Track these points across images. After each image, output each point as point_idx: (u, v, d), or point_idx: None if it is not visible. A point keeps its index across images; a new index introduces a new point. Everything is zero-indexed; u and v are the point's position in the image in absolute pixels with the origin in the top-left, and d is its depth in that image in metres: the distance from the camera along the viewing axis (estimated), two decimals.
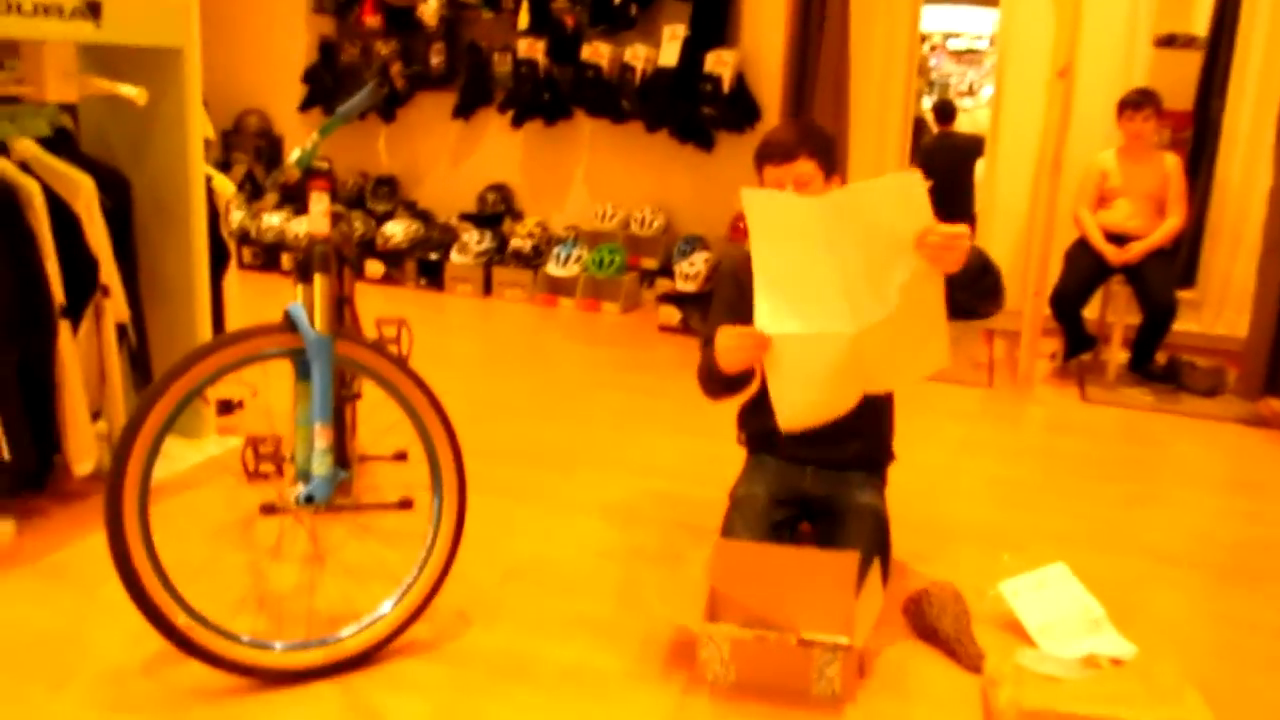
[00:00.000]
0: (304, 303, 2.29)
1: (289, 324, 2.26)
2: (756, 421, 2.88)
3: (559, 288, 6.09)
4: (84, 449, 3.03)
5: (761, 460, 2.87)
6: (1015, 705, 2.06)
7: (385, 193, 6.71)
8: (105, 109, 3.30)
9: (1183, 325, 5.10)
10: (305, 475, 2.30)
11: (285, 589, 2.67)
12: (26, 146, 2.94)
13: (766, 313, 2.39)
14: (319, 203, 2.36)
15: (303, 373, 2.34)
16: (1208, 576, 2.99)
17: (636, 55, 5.91)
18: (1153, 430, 4.31)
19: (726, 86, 5.76)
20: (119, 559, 2.11)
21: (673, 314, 5.52)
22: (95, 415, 3.11)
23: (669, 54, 5.84)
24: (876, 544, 2.64)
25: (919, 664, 2.45)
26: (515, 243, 6.19)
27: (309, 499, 2.23)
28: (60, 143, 3.08)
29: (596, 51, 6.02)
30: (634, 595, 2.72)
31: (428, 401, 2.41)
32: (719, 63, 5.75)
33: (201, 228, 3.37)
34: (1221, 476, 3.85)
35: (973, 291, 2.42)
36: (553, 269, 6.03)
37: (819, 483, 2.78)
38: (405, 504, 2.67)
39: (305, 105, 6.81)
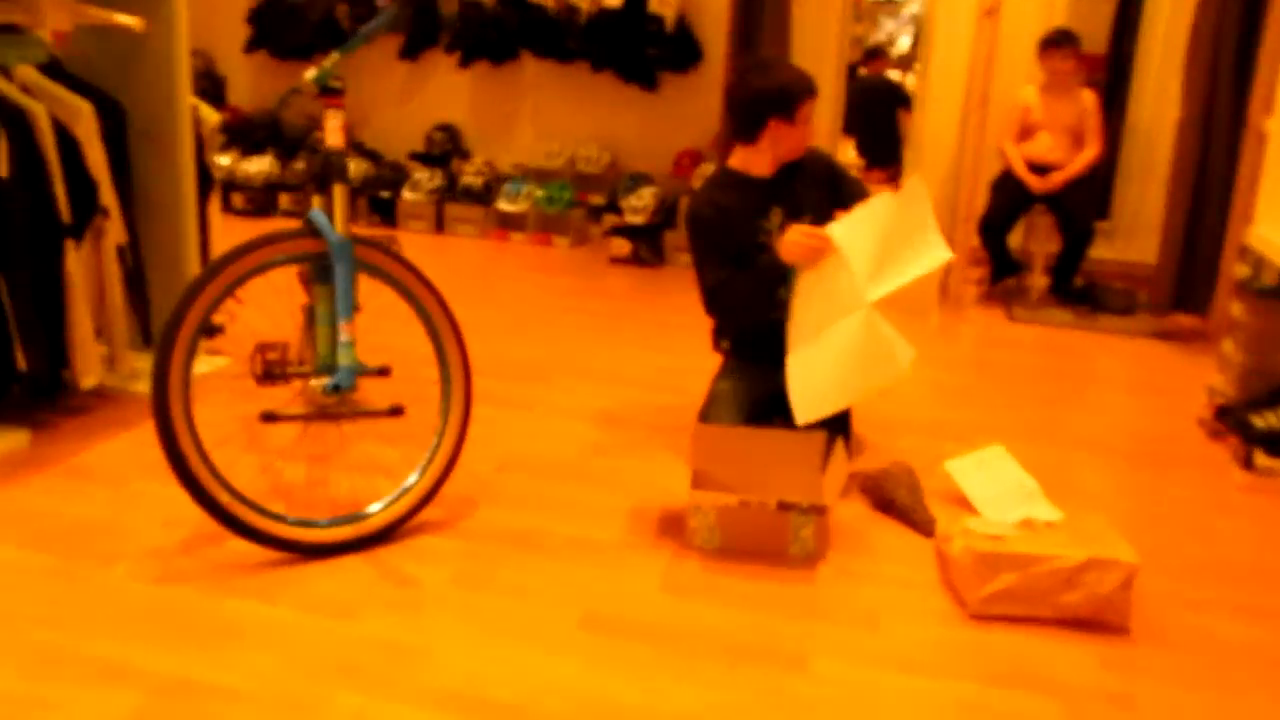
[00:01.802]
0: (323, 210, 2.50)
1: (312, 229, 2.46)
2: (736, 329, 3.16)
3: (510, 223, 6.28)
4: (90, 364, 3.19)
5: (739, 361, 3.14)
6: (969, 551, 2.37)
7: (308, 165, 6.79)
8: (90, 39, 3.39)
9: (1098, 252, 5.49)
10: (330, 369, 2.53)
11: (299, 482, 2.88)
12: (28, 73, 3.07)
13: (841, 231, 2.77)
14: (335, 118, 2.55)
15: (322, 276, 2.55)
16: (1124, 460, 3.35)
17: None
18: (1073, 344, 4.70)
19: (670, 27, 5.98)
20: (166, 441, 2.31)
21: (624, 245, 5.76)
22: (95, 334, 3.27)
23: None
24: (839, 428, 2.94)
25: (879, 530, 2.77)
26: (466, 180, 6.36)
27: (336, 388, 2.45)
28: (53, 70, 3.20)
29: None
30: (619, 481, 2.99)
31: (436, 302, 2.65)
32: (662, 4, 5.96)
33: (189, 154, 3.51)
34: (1135, 380, 4.24)
35: None
36: (504, 205, 6.22)
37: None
38: (396, 411, 2.88)
39: (250, 46, 6.85)
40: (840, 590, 2.46)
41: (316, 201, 2.58)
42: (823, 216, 2.89)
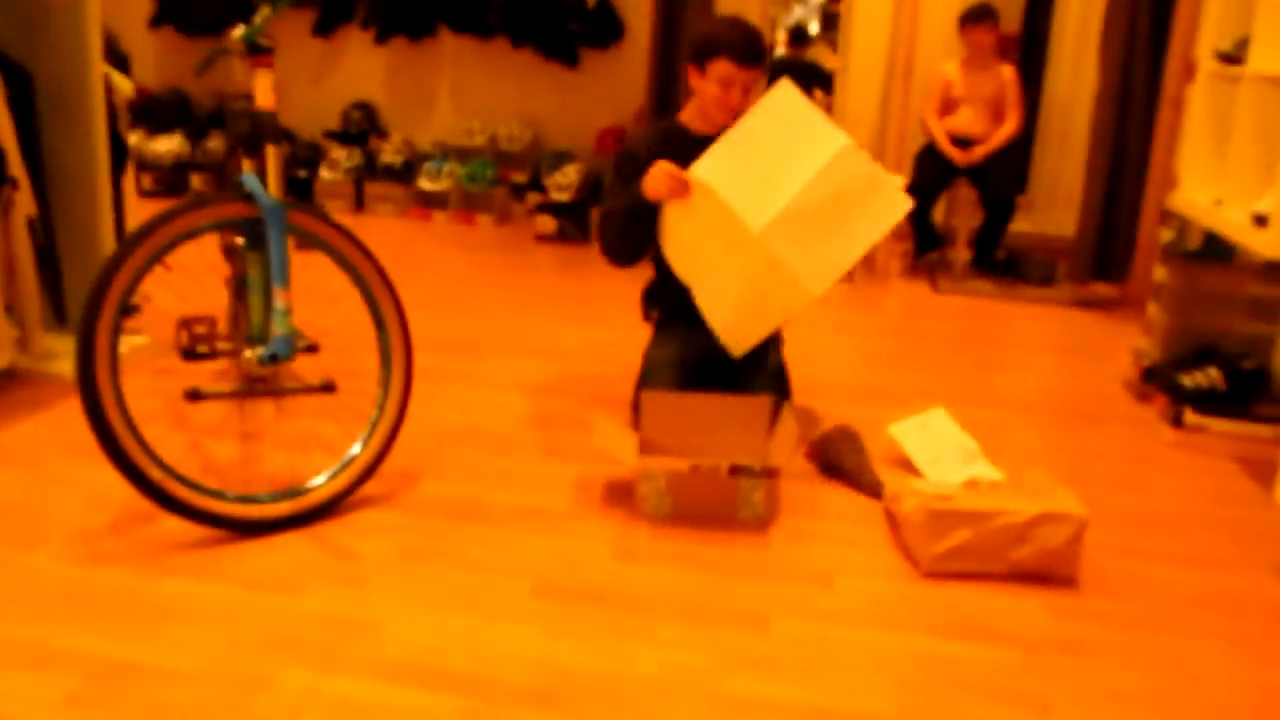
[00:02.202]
0: (255, 173, 2.40)
1: (244, 193, 2.36)
2: (664, 298, 3.12)
3: (431, 201, 6.17)
4: (1, 342, 3.04)
5: (671, 328, 3.11)
6: (922, 509, 2.38)
7: (227, 130, 6.60)
8: None
9: (1016, 226, 5.58)
10: (261, 339, 2.43)
11: (229, 460, 2.78)
12: None
13: (705, 166, 2.66)
14: (265, 78, 2.45)
15: (254, 242, 2.45)
16: (1056, 421, 3.41)
17: None
18: (997, 313, 4.77)
19: (591, 2, 5.92)
20: (93, 413, 2.19)
21: (549, 223, 5.70)
22: (5, 311, 3.12)
23: None
24: (781, 391, 2.93)
25: (827, 494, 2.77)
26: (385, 158, 6.23)
27: (273, 357, 2.36)
28: None
29: None
30: (561, 451, 2.95)
31: (374, 268, 2.56)
32: None
33: (101, 124, 3.36)
34: (1058, 345, 4.33)
35: None
36: (425, 183, 6.11)
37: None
38: (328, 387, 2.79)
39: (155, 22, 6.61)
40: (793, 552, 2.45)
41: (247, 165, 2.48)
42: None
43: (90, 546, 2.31)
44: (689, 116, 3.00)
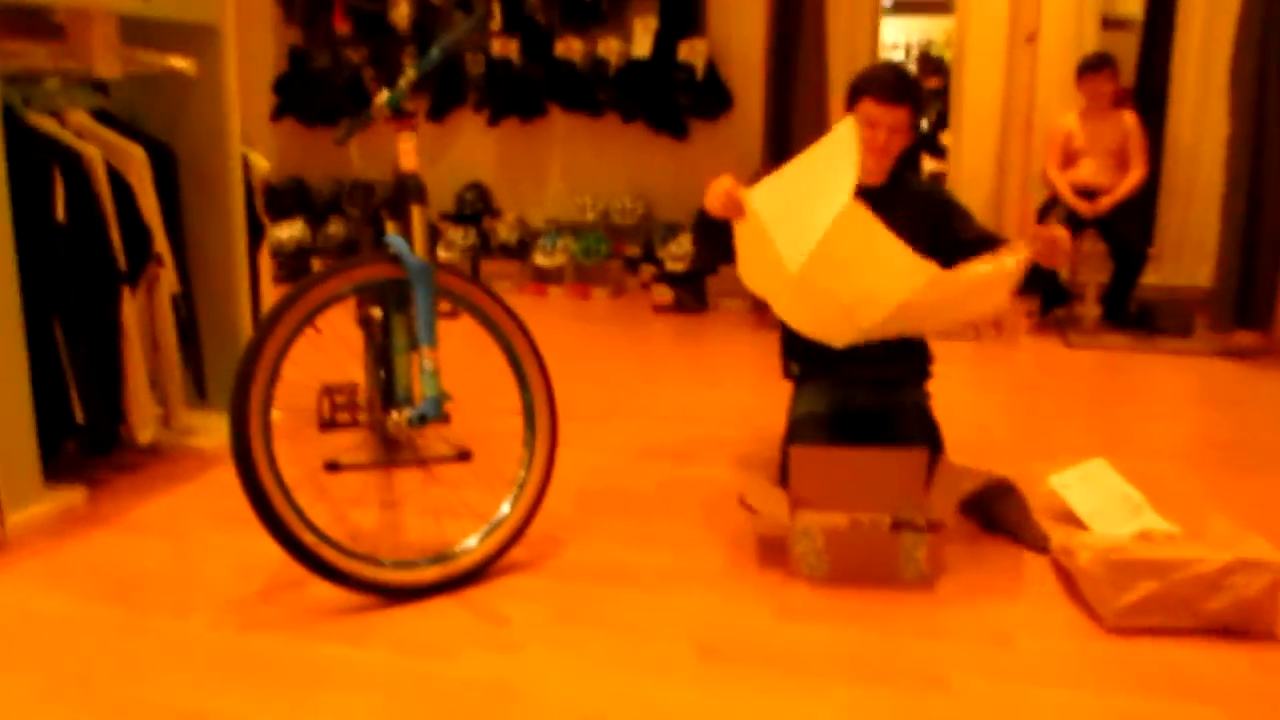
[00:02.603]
0: (400, 235, 2.40)
1: (390, 254, 2.36)
2: (803, 353, 3.03)
3: (546, 276, 6.20)
4: (146, 417, 3.08)
5: (815, 384, 3.01)
6: (1102, 561, 2.23)
7: (361, 196, 6.77)
8: (136, 86, 3.32)
9: (1145, 279, 5.38)
10: (407, 401, 2.41)
11: (373, 528, 2.75)
12: (81, 118, 3.00)
13: (759, 194, 2.53)
14: (408, 140, 2.47)
15: (399, 304, 2.45)
16: (1219, 470, 3.21)
17: (610, 48, 6.07)
18: (1136, 366, 4.57)
19: (699, 75, 5.96)
20: (247, 476, 2.18)
21: (666, 293, 5.68)
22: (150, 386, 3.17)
23: (642, 45, 6.01)
24: (934, 443, 2.81)
25: (989, 549, 2.63)
26: (500, 236, 6.30)
27: (422, 418, 2.32)
28: (104, 115, 3.14)
29: (569, 47, 6.16)
30: (706, 513, 2.86)
31: (518, 328, 2.54)
32: (692, 52, 5.95)
33: (239, 202, 3.44)
34: (1207, 395, 4.12)
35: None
36: (540, 259, 6.15)
37: (871, 397, 2.94)
38: (464, 455, 2.76)
39: (277, 114, 6.85)
40: (964, 608, 2.32)
41: (391, 228, 2.50)
42: (919, 246, 2.80)
43: (242, 614, 2.29)
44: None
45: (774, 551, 2.56)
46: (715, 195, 2.60)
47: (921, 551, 2.42)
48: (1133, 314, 5.16)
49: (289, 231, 6.43)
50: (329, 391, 2.89)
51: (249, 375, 2.21)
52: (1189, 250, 5.71)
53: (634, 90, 6.09)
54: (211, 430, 3.30)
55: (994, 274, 2.45)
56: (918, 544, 2.42)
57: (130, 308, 2.99)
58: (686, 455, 3.34)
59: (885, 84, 2.72)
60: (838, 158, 2.48)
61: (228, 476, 3.06)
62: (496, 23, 6.22)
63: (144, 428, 3.08)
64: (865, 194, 2.82)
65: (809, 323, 2.70)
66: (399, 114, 2.46)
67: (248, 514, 2.20)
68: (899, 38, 10.05)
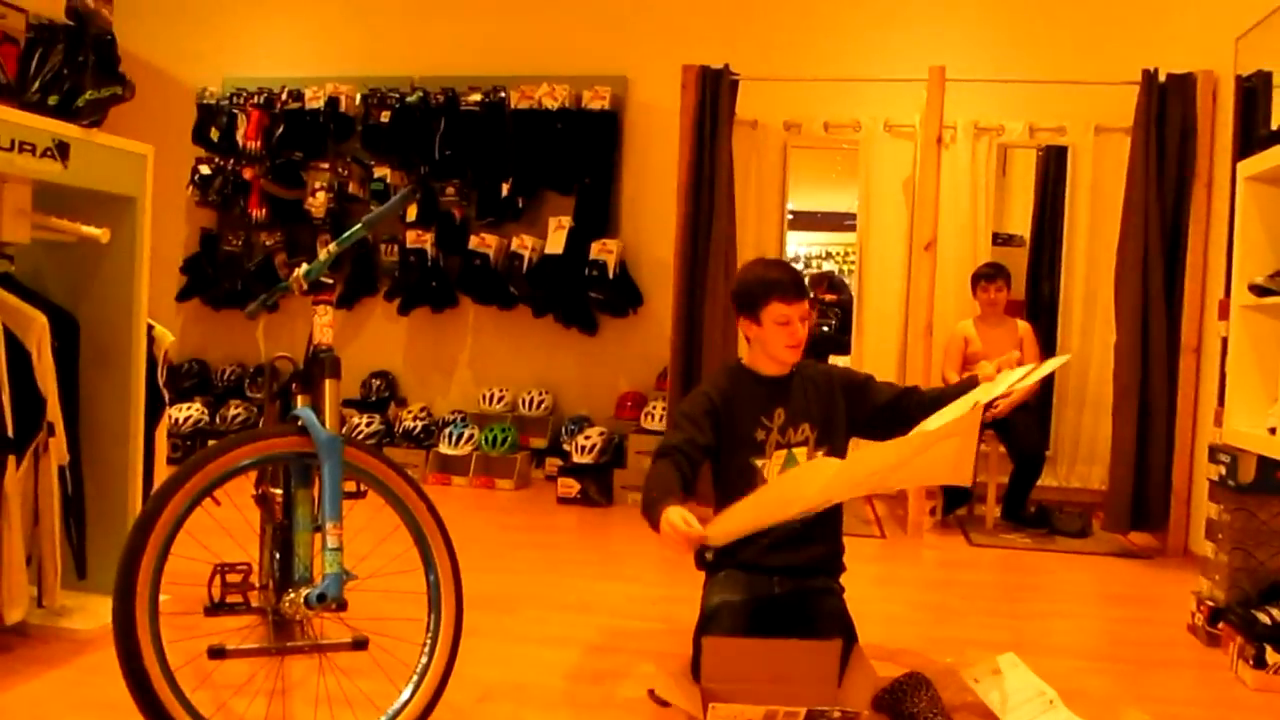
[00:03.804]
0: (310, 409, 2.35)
1: (299, 426, 2.30)
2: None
3: (451, 466, 6.12)
4: (18, 595, 2.90)
5: (728, 573, 2.97)
6: None
7: (269, 374, 6.65)
8: (43, 249, 3.24)
9: (1043, 480, 5.53)
10: (306, 581, 2.30)
11: (259, 718, 2.57)
12: None
13: (718, 528, 2.50)
14: (324, 315, 2.45)
15: (302, 479, 2.37)
16: (1126, 667, 3.22)
17: (524, 244, 6.22)
18: (1037, 564, 4.63)
19: (611, 272, 6.11)
20: (127, 658, 2.03)
21: (571, 485, 5.62)
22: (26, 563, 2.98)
23: (555, 242, 6.18)
24: (848, 635, 2.77)
25: None
26: (406, 423, 6.24)
27: (320, 598, 2.22)
28: (5, 279, 3.06)
29: (484, 241, 6.30)
30: (614, 708, 2.74)
31: (427, 510, 2.48)
32: (603, 250, 6.12)
33: (140, 374, 3.35)
34: (1108, 594, 4.17)
35: None
36: (445, 448, 6.08)
37: (786, 586, 2.90)
38: (360, 643, 2.63)
39: (183, 295, 6.79)
40: None
41: (302, 400, 2.44)
42: (827, 425, 2.86)
43: None
44: (752, 360, 2.98)
45: None
46: (668, 536, 2.47)
47: None
48: (1031, 514, 5.27)
49: (187, 412, 6.28)
50: (221, 570, 2.74)
51: (138, 550, 2.09)
52: (1083, 454, 5.91)
53: (546, 285, 6.21)
54: (89, 612, 3.10)
55: (964, 417, 2.50)
56: None
57: (13, 477, 2.85)
58: (594, 646, 3.24)
59: (788, 285, 2.83)
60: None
61: (103, 661, 2.88)
62: (412, 213, 6.35)
63: (14, 606, 2.88)
64: (775, 382, 2.90)
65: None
66: (317, 287, 2.45)
67: (124, 702, 2.04)
68: (795, 250, 10.54)
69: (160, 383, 3.49)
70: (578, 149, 6.22)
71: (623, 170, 6.45)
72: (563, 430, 6.29)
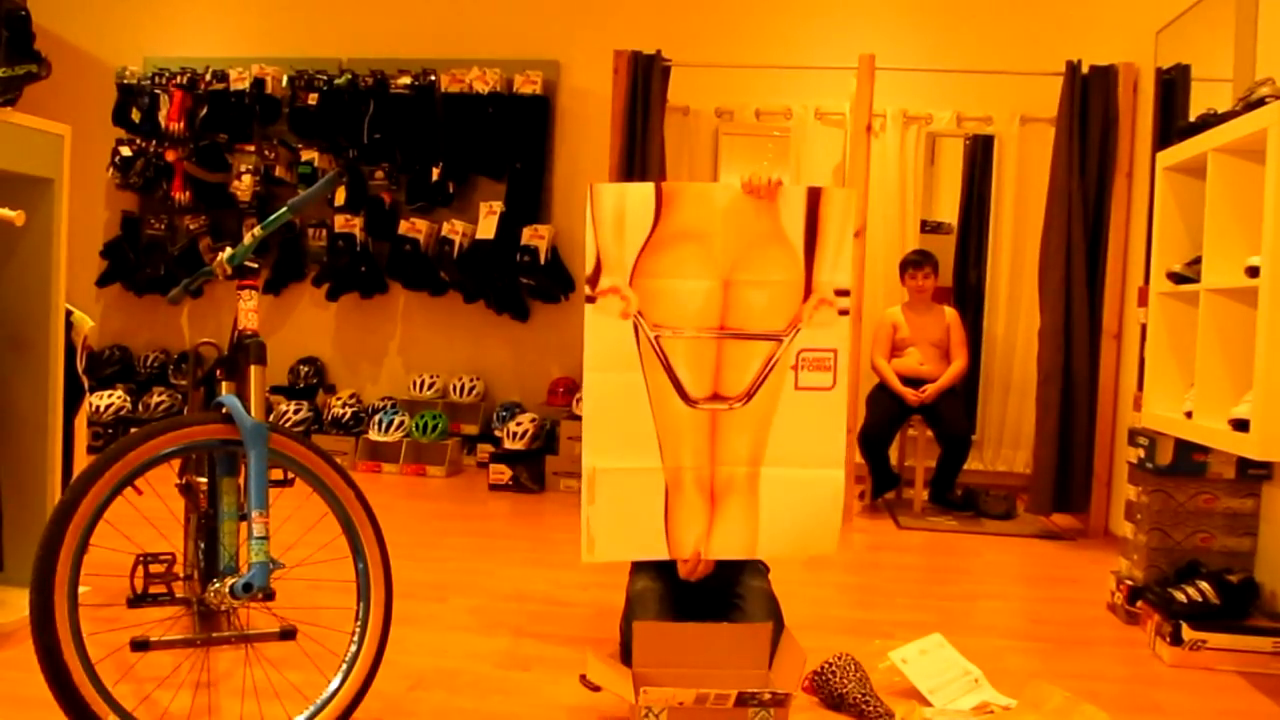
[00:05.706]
0: (234, 395, 2.31)
1: (223, 414, 2.26)
2: None
3: (381, 454, 6.06)
4: None
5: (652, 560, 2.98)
6: None
7: (192, 361, 6.52)
8: None
9: (969, 464, 5.63)
10: (232, 570, 2.26)
11: (183, 711, 2.53)
12: None
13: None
14: (249, 300, 2.40)
15: (227, 467, 2.33)
16: (1048, 645, 3.29)
17: (455, 229, 6.17)
18: (964, 546, 4.72)
19: (543, 258, 6.08)
20: (46, 651, 1.98)
21: (503, 472, 5.60)
22: None
23: (486, 228, 6.13)
24: (777, 618, 2.80)
25: None
26: (335, 410, 6.16)
27: (247, 588, 2.18)
28: None
29: (414, 226, 6.24)
30: (543, 694, 2.74)
31: (355, 498, 2.44)
32: (535, 236, 6.09)
33: (58, 362, 3.26)
34: (1031, 575, 4.26)
35: None
36: (375, 435, 6.02)
37: (711, 571, 2.91)
38: (288, 633, 2.60)
39: (103, 280, 6.62)
40: None
41: (227, 388, 2.40)
42: None
43: None
44: None
45: None
46: None
47: None
48: (958, 498, 5.37)
49: (109, 400, 6.13)
50: (144, 560, 2.68)
51: (56, 540, 2.03)
52: (1008, 438, 6.04)
53: (477, 271, 6.16)
54: (7, 605, 3.02)
55: None
56: (764, 719, 2.36)
57: None
58: (525, 633, 3.23)
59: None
60: None
61: (21, 655, 2.81)
62: (340, 197, 6.26)
63: None
64: None
65: None
66: (242, 271, 2.40)
67: (44, 697, 1.99)
68: None
69: (79, 370, 3.40)
70: (509, 134, 6.18)
71: (554, 156, 6.42)
72: (494, 417, 6.26)
